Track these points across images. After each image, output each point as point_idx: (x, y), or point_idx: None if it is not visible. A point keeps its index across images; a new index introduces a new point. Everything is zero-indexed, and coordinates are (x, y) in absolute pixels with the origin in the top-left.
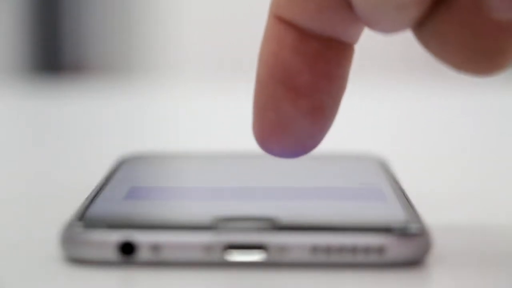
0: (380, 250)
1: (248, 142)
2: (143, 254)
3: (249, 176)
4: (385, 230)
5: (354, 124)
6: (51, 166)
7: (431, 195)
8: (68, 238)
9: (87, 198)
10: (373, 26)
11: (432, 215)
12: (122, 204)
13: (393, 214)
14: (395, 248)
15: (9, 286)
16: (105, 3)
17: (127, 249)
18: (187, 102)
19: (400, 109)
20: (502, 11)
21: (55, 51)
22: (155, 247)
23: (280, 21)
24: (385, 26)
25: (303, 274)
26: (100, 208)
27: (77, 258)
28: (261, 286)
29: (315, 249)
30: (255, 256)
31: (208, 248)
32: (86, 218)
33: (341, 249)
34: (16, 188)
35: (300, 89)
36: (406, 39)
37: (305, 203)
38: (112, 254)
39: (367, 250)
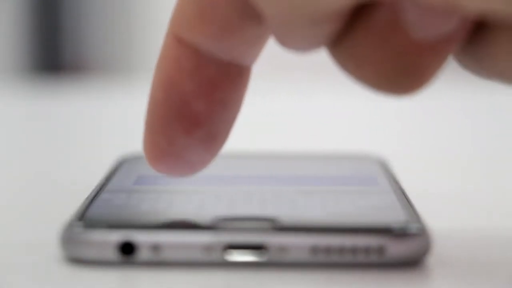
0: (380, 250)
1: (248, 142)
2: (143, 254)
3: (249, 176)
4: (385, 230)
5: (354, 124)
6: (51, 166)
7: (431, 195)
8: (68, 238)
9: (87, 198)
10: (286, 42)
11: (432, 215)
12: (122, 204)
13: (393, 214)
14: (395, 248)
15: (9, 286)
16: (105, 3)
17: (127, 249)
18: None
19: (400, 109)
20: (420, 30)
21: (55, 51)
22: (155, 247)
23: (179, 42)
24: (298, 43)
25: (303, 274)
26: (100, 208)
27: (77, 258)
28: (261, 286)
29: (315, 249)
30: (255, 256)
31: (208, 248)
32: (86, 218)
33: (341, 249)
34: (16, 188)
35: (194, 118)
36: None
37: (305, 203)
38: (112, 254)
39: (367, 250)
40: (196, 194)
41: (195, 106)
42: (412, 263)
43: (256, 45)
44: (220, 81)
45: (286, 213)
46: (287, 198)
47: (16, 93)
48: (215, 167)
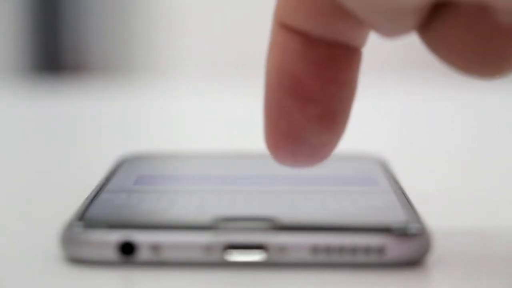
0: (380, 250)
1: (248, 142)
2: (143, 254)
3: (249, 176)
4: (385, 230)
5: (354, 124)
6: (51, 166)
7: (431, 195)
8: (68, 238)
9: (87, 198)
10: (376, 30)
11: (432, 215)
12: (122, 204)
13: (393, 214)
14: (395, 248)
15: (9, 286)
16: (105, 3)
17: (127, 249)
18: (187, 102)
19: (400, 109)
20: (508, 16)
21: (55, 51)
22: (155, 247)
23: (285, 28)
24: (386, 31)
25: (303, 274)
26: (100, 208)
27: (77, 258)
28: (261, 286)
29: (315, 249)
30: (255, 256)
31: (208, 248)
32: (86, 218)
33: (341, 249)
34: (16, 188)
35: (309, 96)
36: (406, 39)
37: (305, 203)
38: (112, 254)
39: (367, 250)
40: (196, 194)
41: (308, 85)
42: (412, 263)
43: (358, 28)
44: (330, 61)
45: (286, 213)
46: (287, 198)
47: (16, 93)
48: (215, 167)
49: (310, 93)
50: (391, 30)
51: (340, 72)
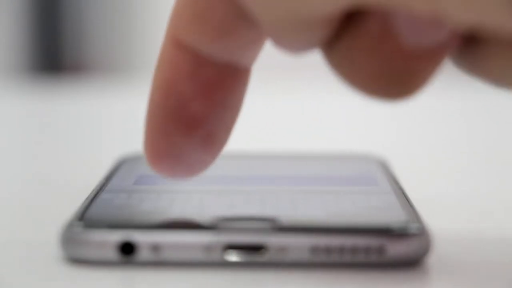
0: (380, 250)
1: (248, 142)
2: (143, 254)
3: (249, 176)
4: (385, 230)
5: (354, 125)
6: (51, 166)
7: (431, 195)
8: (68, 238)
9: (87, 198)
10: (280, 44)
11: (432, 216)
12: (122, 204)
13: (393, 214)
14: (395, 248)
15: (9, 286)
16: (105, 3)
17: (127, 249)
18: None
19: (400, 109)
20: (411, 38)
21: (55, 51)
22: (155, 247)
23: (177, 44)
24: (292, 46)
25: (303, 274)
26: (100, 208)
27: (77, 258)
28: (261, 286)
29: (315, 249)
30: (255, 256)
31: (208, 248)
32: (86, 218)
33: (341, 249)
34: (16, 188)
35: (193, 119)
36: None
37: (305, 203)
38: (112, 254)
39: (367, 250)
40: (196, 194)
41: (193, 107)
42: (412, 263)
43: (254, 46)
44: (218, 83)
45: (286, 213)
46: (287, 198)
47: (16, 93)
48: (215, 167)
49: (194, 116)
50: (294, 44)
51: (228, 95)
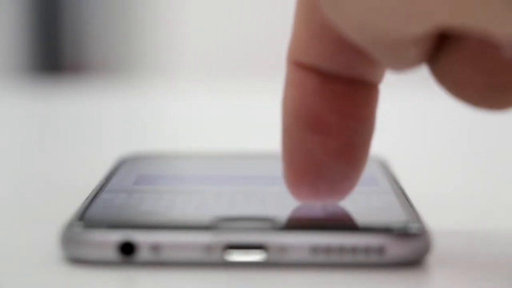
0: (380, 250)
1: (248, 142)
2: (143, 254)
3: (249, 176)
4: (385, 230)
5: None
6: (51, 166)
7: (431, 195)
8: (68, 238)
9: (87, 198)
10: (383, 63)
11: (432, 216)
12: (122, 204)
13: (393, 214)
14: (395, 248)
15: (9, 286)
16: (105, 3)
17: (127, 249)
18: (187, 102)
19: (400, 109)
20: (510, 50)
21: (55, 51)
22: (155, 247)
23: (299, 66)
24: (393, 64)
25: (303, 274)
26: (100, 208)
27: (77, 258)
28: (261, 286)
29: (315, 249)
30: (255, 256)
31: (208, 248)
32: (86, 218)
33: (341, 249)
34: (16, 188)
35: (328, 131)
36: None
37: (305, 203)
38: (112, 254)
39: (367, 250)
40: (196, 194)
41: (326, 119)
42: (412, 263)
43: (372, 64)
44: (347, 96)
45: (286, 213)
46: (287, 198)
47: (16, 93)
48: (215, 167)
49: (328, 127)
50: (396, 63)
51: (358, 107)
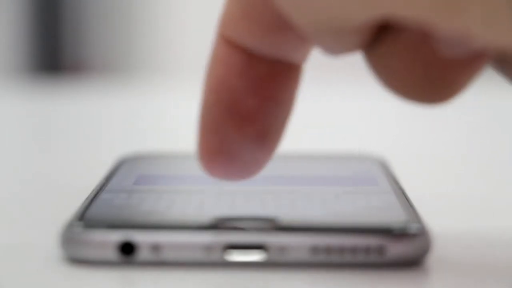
0: (380, 250)
1: None
2: (143, 254)
3: None
4: (385, 230)
5: (354, 125)
6: (51, 166)
7: (431, 195)
8: (68, 238)
9: (87, 198)
10: (320, 47)
11: (432, 216)
12: (122, 204)
13: (393, 214)
14: (395, 248)
15: (9, 286)
16: (105, 3)
17: (127, 249)
18: (187, 102)
19: (400, 109)
20: (447, 47)
21: (55, 51)
22: (155, 247)
23: (227, 42)
24: (330, 49)
25: (303, 274)
26: (100, 208)
27: (77, 258)
28: (261, 286)
29: (315, 249)
30: (255, 256)
31: (208, 248)
32: (86, 218)
33: (341, 249)
34: (16, 188)
35: (246, 115)
36: None
37: (305, 203)
38: (112, 254)
39: (367, 250)
40: (196, 194)
41: (246, 103)
42: (412, 263)
43: (303, 44)
44: (270, 79)
45: (286, 213)
46: (287, 198)
47: (16, 93)
48: None
49: (247, 111)
50: (334, 48)
51: (280, 91)
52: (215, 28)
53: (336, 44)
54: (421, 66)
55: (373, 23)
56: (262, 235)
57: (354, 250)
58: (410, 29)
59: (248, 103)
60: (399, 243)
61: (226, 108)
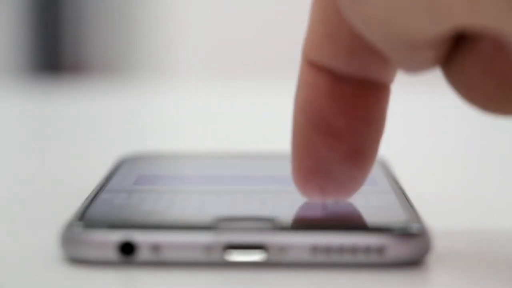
0: (380, 250)
1: (248, 142)
2: (143, 254)
3: (249, 176)
4: (385, 230)
5: None
6: (51, 166)
7: (431, 196)
8: (68, 238)
9: (87, 198)
10: (398, 64)
11: (432, 216)
12: (122, 204)
13: (393, 214)
14: (395, 248)
15: (9, 286)
16: (105, 3)
17: (127, 249)
18: (187, 102)
19: (400, 109)
20: None
21: (55, 51)
22: (155, 247)
23: (313, 66)
24: (407, 66)
25: (303, 274)
26: (100, 208)
27: (77, 258)
28: (261, 286)
29: (315, 249)
30: (255, 256)
31: (208, 248)
32: (86, 218)
33: (341, 249)
34: (16, 188)
35: (337, 134)
36: None
37: (305, 203)
38: (112, 254)
39: (367, 250)
40: (196, 194)
41: (335, 123)
42: (412, 263)
43: (385, 65)
44: (357, 98)
45: (286, 213)
46: (287, 198)
47: (16, 93)
48: (215, 167)
49: (337, 130)
50: (411, 64)
51: (368, 110)
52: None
53: (412, 60)
54: (498, 78)
55: (446, 36)
56: (262, 235)
57: (354, 250)
58: (485, 40)
59: (338, 123)
60: (399, 243)
61: (317, 128)
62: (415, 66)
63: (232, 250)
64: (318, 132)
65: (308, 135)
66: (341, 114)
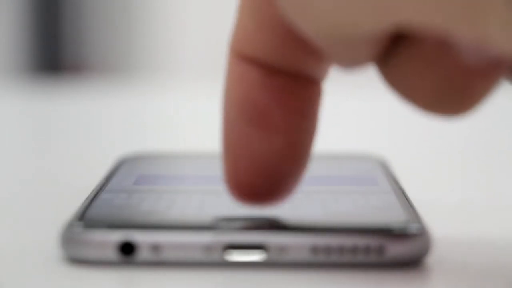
0: (380, 250)
1: None
2: (143, 254)
3: None
4: (385, 230)
5: (354, 125)
6: (51, 166)
7: (431, 196)
8: (68, 238)
9: (87, 198)
10: (332, 60)
11: (432, 216)
12: (122, 204)
13: (393, 214)
14: (395, 248)
15: (9, 286)
16: (105, 3)
17: (127, 249)
18: (188, 102)
19: (400, 109)
20: (471, 55)
21: (55, 51)
22: (155, 247)
23: (242, 58)
24: (342, 61)
25: (303, 274)
26: (100, 208)
27: (77, 258)
28: (261, 286)
29: (315, 249)
30: (255, 256)
31: (208, 248)
32: (86, 218)
33: (341, 249)
34: (16, 188)
35: (272, 126)
36: None
37: (305, 203)
38: (112, 254)
39: (367, 250)
40: (196, 194)
41: (270, 114)
42: (412, 263)
43: (318, 59)
44: (291, 91)
45: (286, 213)
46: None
47: (16, 93)
48: (215, 167)
49: (273, 122)
50: (347, 61)
51: (302, 103)
52: (227, 44)
53: (349, 56)
54: (440, 76)
55: (386, 33)
56: (262, 235)
57: (354, 250)
58: (426, 39)
59: (273, 114)
60: (399, 243)
61: (251, 122)
62: (350, 62)
63: (232, 250)
64: (253, 125)
65: (242, 130)
66: (276, 106)
